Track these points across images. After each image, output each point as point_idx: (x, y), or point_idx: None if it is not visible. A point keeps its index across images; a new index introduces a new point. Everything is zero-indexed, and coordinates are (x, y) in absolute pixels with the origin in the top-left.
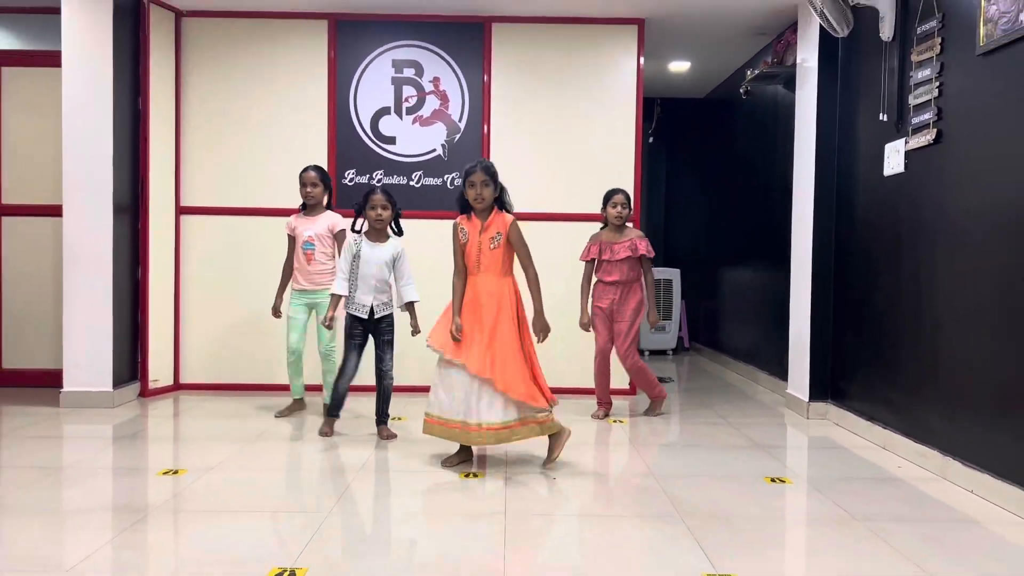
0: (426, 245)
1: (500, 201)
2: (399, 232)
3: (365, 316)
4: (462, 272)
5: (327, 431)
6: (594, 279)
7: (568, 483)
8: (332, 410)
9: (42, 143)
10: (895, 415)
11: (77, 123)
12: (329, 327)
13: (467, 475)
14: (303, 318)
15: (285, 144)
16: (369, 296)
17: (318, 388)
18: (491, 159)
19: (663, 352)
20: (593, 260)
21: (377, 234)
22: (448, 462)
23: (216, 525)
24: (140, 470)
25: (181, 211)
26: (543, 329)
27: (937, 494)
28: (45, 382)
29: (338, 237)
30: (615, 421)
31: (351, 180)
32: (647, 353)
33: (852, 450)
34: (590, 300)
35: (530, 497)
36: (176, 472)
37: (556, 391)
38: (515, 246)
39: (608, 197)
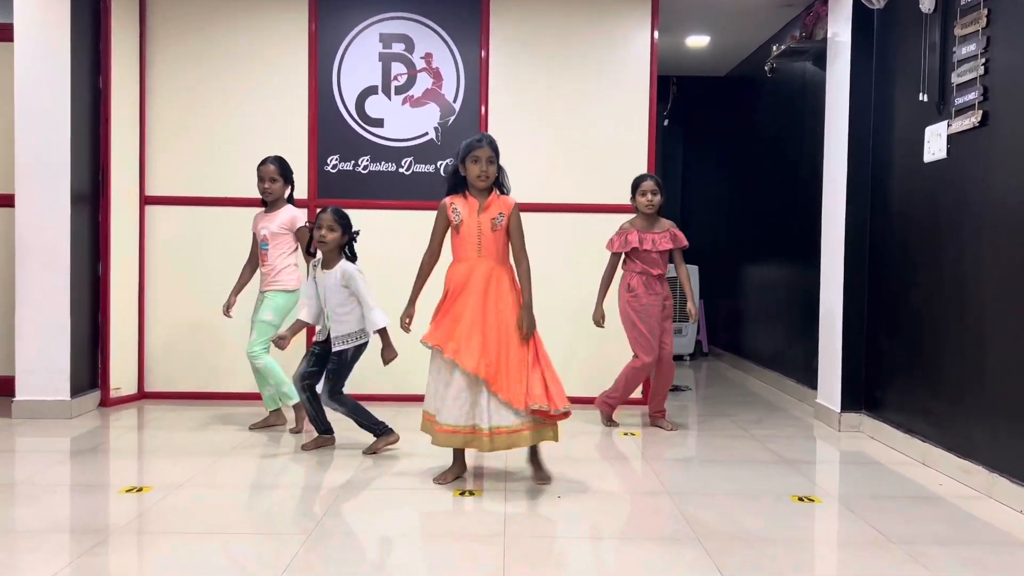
0: (416, 239)
1: (498, 182)
2: (352, 258)
3: (322, 339)
4: (435, 254)
5: (310, 447)
6: (619, 272)
7: (573, 502)
8: (319, 426)
9: None
10: (936, 427)
11: (30, 103)
12: (280, 347)
13: (462, 493)
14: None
15: (261, 127)
16: (329, 322)
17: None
18: None
19: (680, 357)
20: (620, 253)
21: (326, 258)
22: (442, 478)
23: (184, 548)
24: (101, 487)
25: (146, 201)
26: (529, 325)
27: (982, 514)
28: None
29: (299, 234)
30: (626, 433)
31: (334, 167)
32: None
33: (888, 466)
34: (624, 295)
35: (532, 517)
36: (140, 490)
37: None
38: (512, 233)
39: (637, 184)
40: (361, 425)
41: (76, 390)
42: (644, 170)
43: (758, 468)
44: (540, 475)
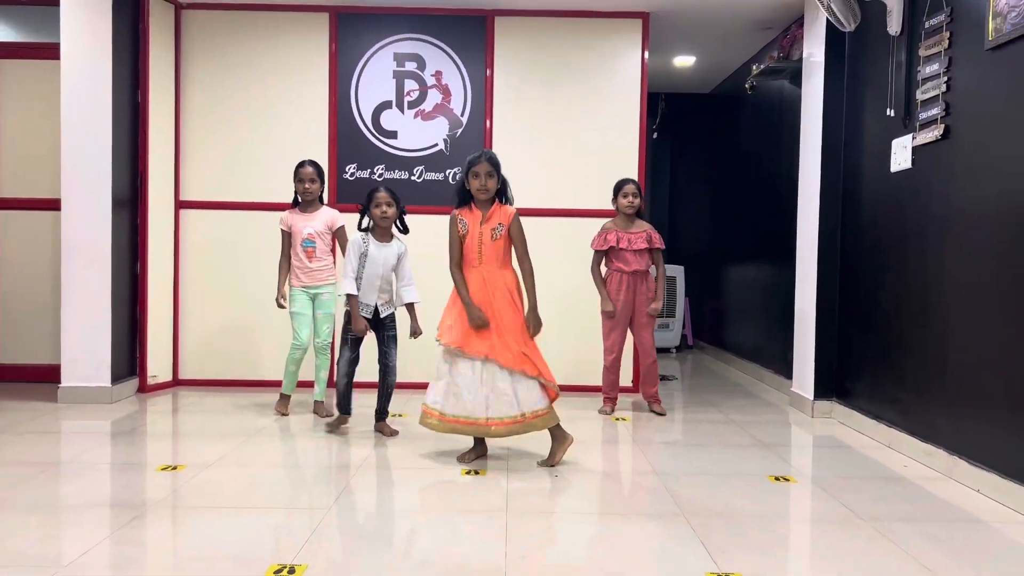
0: (428, 241)
1: (501, 193)
2: (405, 230)
3: (370, 316)
4: (460, 263)
5: (334, 428)
6: (604, 268)
7: (571, 481)
8: (344, 407)
9: (40, 137)
10: (901, 414)
11: (76, 116)
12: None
13: (468, 472)
14: (310, 312)
15: (285, 138)
16: (373, 295)
17: (310, 384)
18: None
19: (667, 350)
20: (602, 251)
21: (383, 233)
22: (465, 457)
23: (215, 521)
24: (138, 466)
25: (180, 205)
26: (536, 324)
27: (943, 493)
28: (43, 377)
29: (338, 234)
30: (618, 419)
31: (352, 175)
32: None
33: (857, 449)
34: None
35: (532, 495)
36: (175, 468)
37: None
38: (514, 239)
39: (619, 187)
40: (340, 394)
41: (116, 377)
42: (636, 179)
43: (738, 451)
44: (551, 461)
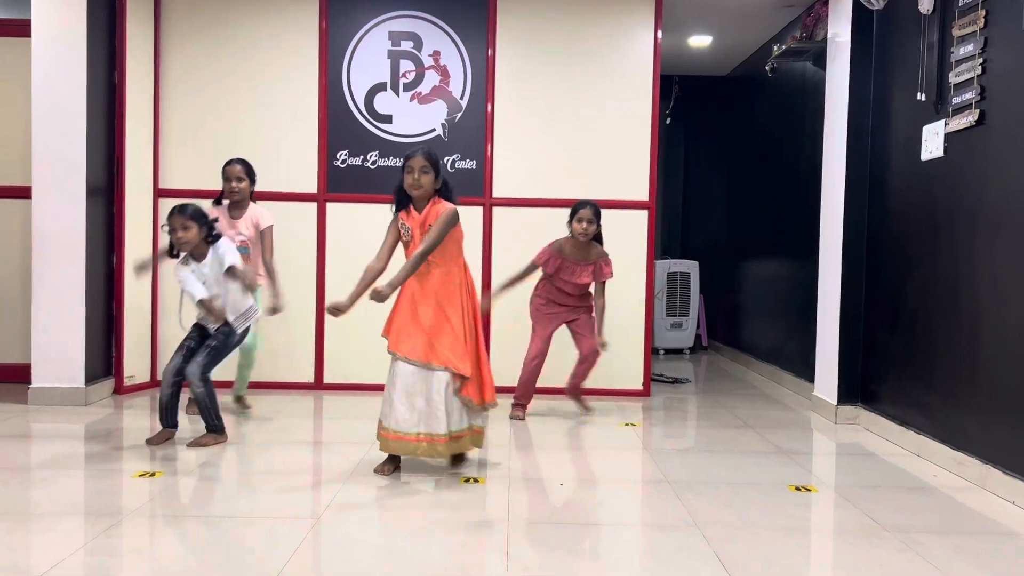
0: None
1: (441, 191)
2: (214, 240)
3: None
4: (384, 258)
5: (157, 442)
6: (537, 274)
7: (576, 490)
8: (172, 422)
9: (9, 120)
10: (930, 420)
11: (48, 98)
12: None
13: (467, 480)
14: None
15: (273, 122)
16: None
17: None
18: (495, 140)
19: (679, 351)
20: (539, 268)
21: (196, 251)
22: (381, 470)
23: (195, 531)
24: (114, 472)
25: (160, 194)
26: (375, 296)
27: (975, 505)
28: (12, 377)
29: (264, 235)
30: (626, 424)
31: (343, 161)
32: (662, 352)
33: (883, 457)
34: (531, 296)
35: (535, 504)
36: (153, 475)
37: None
38: (430, 230)
39: (574, 211)
40: (206, 415)
41: (91, 378)
42: (647, 167)
43: (756, 458)
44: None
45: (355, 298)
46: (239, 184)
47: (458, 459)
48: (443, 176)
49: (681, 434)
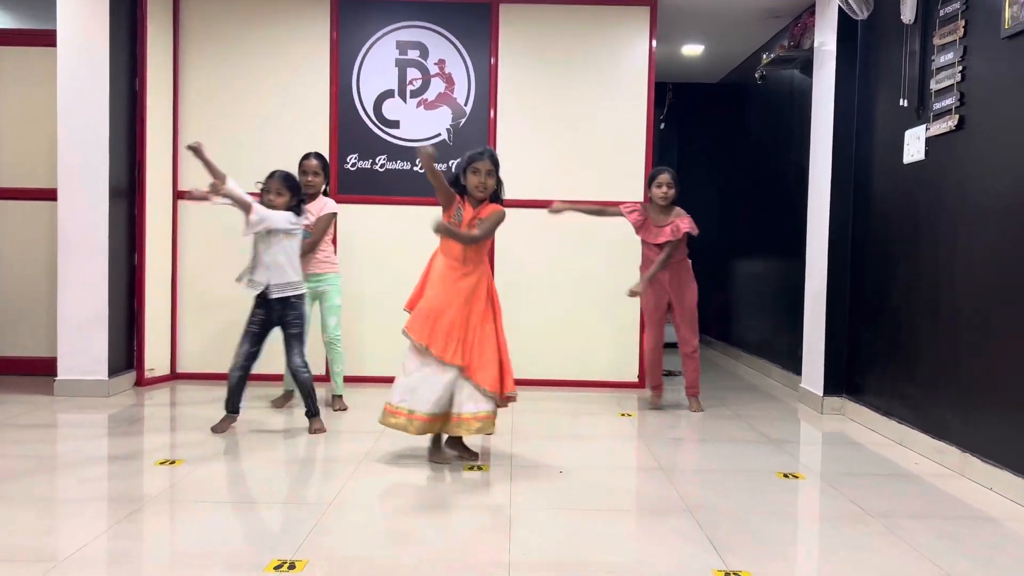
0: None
1: (496, 195)
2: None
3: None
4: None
5: (220, 429)
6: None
7: (575, 477)
8: (231, 405)
9: (36, 125)
10: (912, 410)
11: (72, 105)
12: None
13: (471, 468)
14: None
15: (286, 127)
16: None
17: (321, 379)
18: (497, 145)
19: (673, 345)
20: (628, 218)
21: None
22: (439, 457)
23: (214, 516)
24: (136, 460)
25: (179, 195)
26: (437, 227)
27: (954, 491)
28: (39, 370)
29: (321, 217)
30: (623, 414)
31: (353, 164)
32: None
33: (867, 446)
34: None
35: (535, 490)
36: (173, 463)
37: (565, 384)
38: (483, 223)
39: (653, 177)
40: (310, 400)
41: (113, 370)
42: (641, 170)
43: (746, 447)
44: (468, 454)
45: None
46: (315, 178)
47: (465, 449)
48: (499, 178)
49: (674, 424)
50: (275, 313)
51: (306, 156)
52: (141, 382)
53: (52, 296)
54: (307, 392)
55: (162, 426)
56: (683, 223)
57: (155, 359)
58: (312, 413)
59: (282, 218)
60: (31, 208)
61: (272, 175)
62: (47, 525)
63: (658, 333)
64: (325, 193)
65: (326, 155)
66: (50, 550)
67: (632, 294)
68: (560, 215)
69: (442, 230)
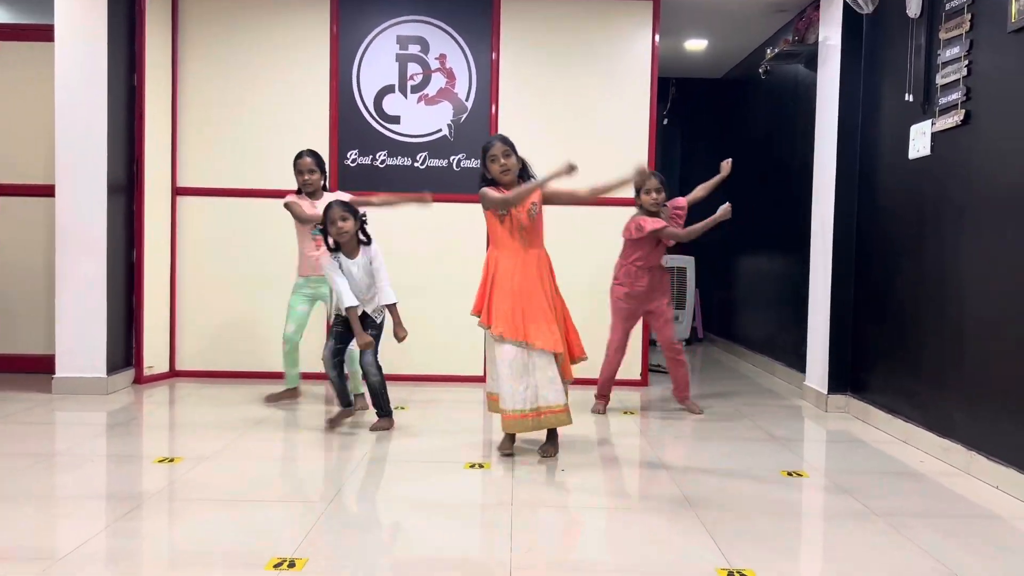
0: (431, 229)
1: (523, 172)
2: (367, 241)
3: (343, 316)
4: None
5: (337, 423)
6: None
7: (577, 475)
8: (343, 399)
9: (34, 121)
10: (917, 408)
11: (70, 100)
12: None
13: (472, 465)
14: (305, 309)
15: (285, 123)
16: (365, 305)
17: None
18: None
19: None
20: (624, 236)
21: (348, 248)
22: (504, 447)
23: (213, 514)
24: (135, 458)
25: (177, 192)
26: (565, 168)
27: (960, 489)
28: (37, 368)
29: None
30: (626, 412)
31: (353, 161)
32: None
33: (872, 444)
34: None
35: (538, 488)
36: (172, 460)
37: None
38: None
39: (639, 185)
40: (379, 401)
41: (112, 368)
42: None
43: (750, 445)
44: (549, 450)
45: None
46: (311, 176)
47: (551, 444)
48: (521, 156)
49: (678, 422)
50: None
51: (300, 155)
52: (140, 380)
53: (50, 293)
54: (375, 392)
55: (161, 424)
56: (677, 211)
57: (154, 357)
58: (382, 413)
59: (330, 266)
60: (28, 204)
61: (329, 205)
62: (45, 523)
63: (625, 335)
64: (325, 188)
65: (326, 151)
66: (48, 548)
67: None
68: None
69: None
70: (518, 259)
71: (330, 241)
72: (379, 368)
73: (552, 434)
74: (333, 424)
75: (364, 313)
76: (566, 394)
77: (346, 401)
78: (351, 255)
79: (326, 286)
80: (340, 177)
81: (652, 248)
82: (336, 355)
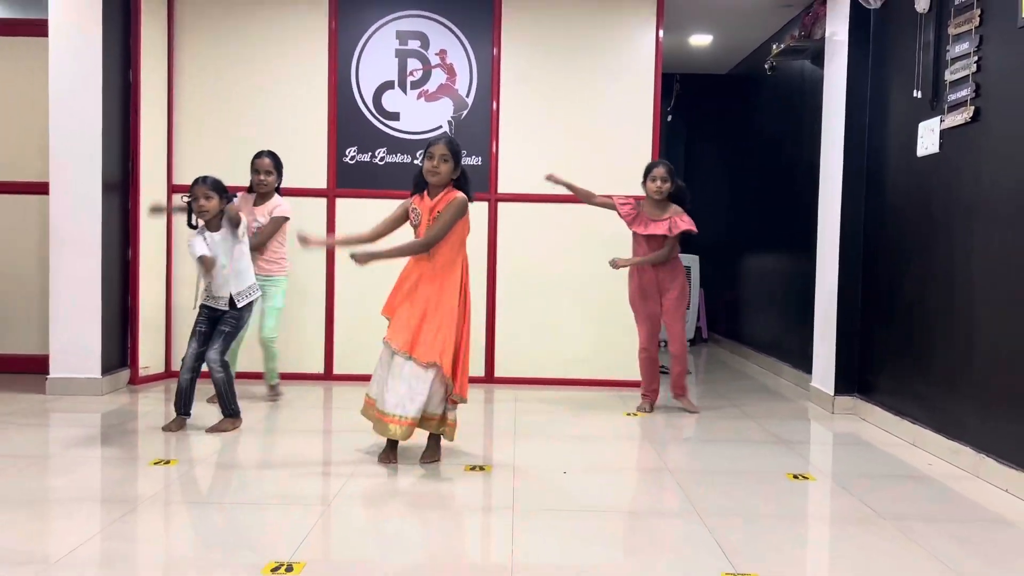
0: None
1: (458, 182)
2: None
3: (214, 302)
4: (379, 231)
5: (172, 429)
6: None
7: (579, 478)
8: (182, 406)
9: (27, 117)
10: (926, 410)
11: (64, 96)
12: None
13: (473, 468)
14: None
15: (283, 119)
16: (226, 287)
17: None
18: (500, 137)
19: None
20: (615, 208)
21: (211, 224)
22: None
23: (209, 517)
24: (130, 460)
25: (173, 189)
26: (361, 257)
27: (969, 493)
28: (31, 368)
29: (272, 219)
30: (628, 414)
31: (352, 158)
32: (664, 344)
33: (880, 446)
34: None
35: (539, 492)
36: (168, 462)
37: (568, 383)
38: (439, 218)
39: (648, 171)
40: (223, 400)
41: (107, 369)
42: (648, 163)
43: (755, 448)
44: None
45: (331, 243)
46: (267, 177)
47: (432, 451)
48: (463, 168)
49: (682, 424)
50: (221, 311)
51: (259, 154)
52: (135, 380)
53: (44, 292)
54: (219, 391)
55: (156, 425)
56: (682, 221)
57: (149, 357)
58: (226, 412)
59: (198, 241)
60: (22, 202)
61: (195, 181)
62: (38, 526)
63: (650, 330)
64: (278, 190)
65: (324, 147)
66: (41, 552)
67: (613, 263)
68: (555, 185)
69: (364, 259)
70: (417, 263)
71: (193, 218)
72: (224, 365)
73: (433, 439)
74: (168, 429)
75: (231, 298)
76: (419, 411)
77: (185, 410)
78: (214, 229)
79: (269, 284)
80: (339, 175)
81: (642, 243)
82: (197, 359)
